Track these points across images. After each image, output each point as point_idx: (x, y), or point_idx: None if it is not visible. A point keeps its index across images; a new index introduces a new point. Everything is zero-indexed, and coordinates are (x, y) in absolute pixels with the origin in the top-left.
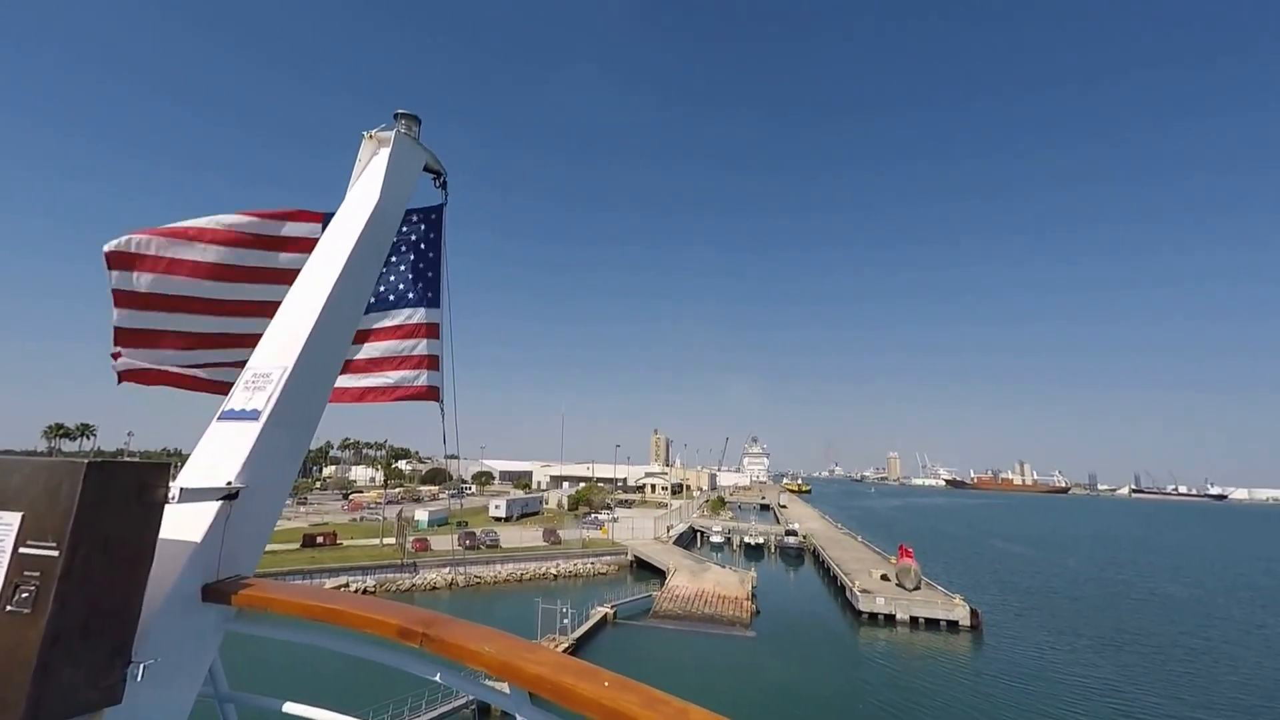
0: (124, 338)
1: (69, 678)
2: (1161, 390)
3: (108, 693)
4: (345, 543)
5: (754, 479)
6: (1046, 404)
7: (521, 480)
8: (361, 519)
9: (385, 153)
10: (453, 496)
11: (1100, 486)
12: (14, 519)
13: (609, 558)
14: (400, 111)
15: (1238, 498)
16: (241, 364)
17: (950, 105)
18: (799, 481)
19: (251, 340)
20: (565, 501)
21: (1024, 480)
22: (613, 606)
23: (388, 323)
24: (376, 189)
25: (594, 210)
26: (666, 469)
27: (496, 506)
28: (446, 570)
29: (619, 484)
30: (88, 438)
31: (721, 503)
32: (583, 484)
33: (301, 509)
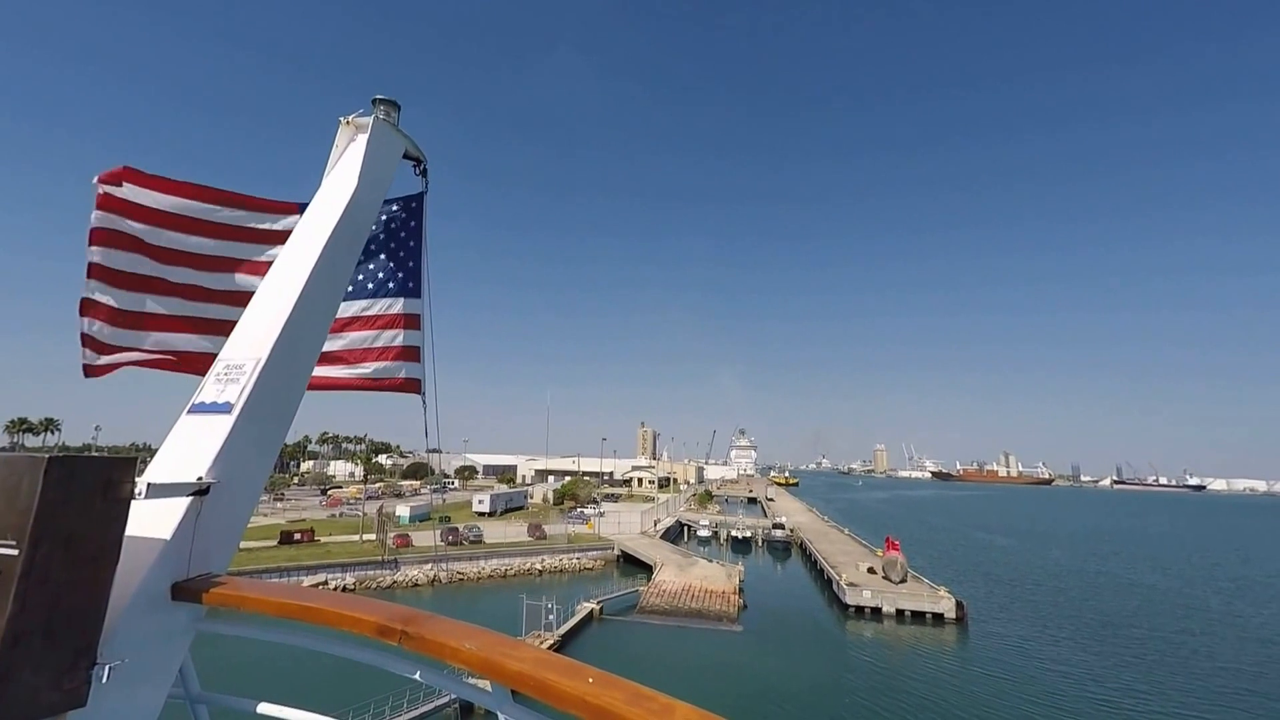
0: (91, 308)
1: (30, 680)
2: (1143, 382)
3: (72, 695)
4: (324, 539)
5: (741, 472)
6: (1032, 396)
7: (506, 474)
8: (341, 515)
9: (363, 139)
10: (435, 491)
11: (1083, 478)
12: None
13: (595, 553)
14: (378, 97)
15: (1215, 488)
16: (213, 354)
17: (941, 96)
18: (786, 474)
19: (224, 328)
20: (550, 496)
21: (1009, 472)
22: (599, 602)
23: (367, 313)
24: (354, 176)
25: (578, 200)
26: (653, 462)
27: (480, 501)
28: (429, 566)
29: (605, 478)
30: (52, 432)
31: (709, 496)
32: (568, 478)
33: (278, 505)
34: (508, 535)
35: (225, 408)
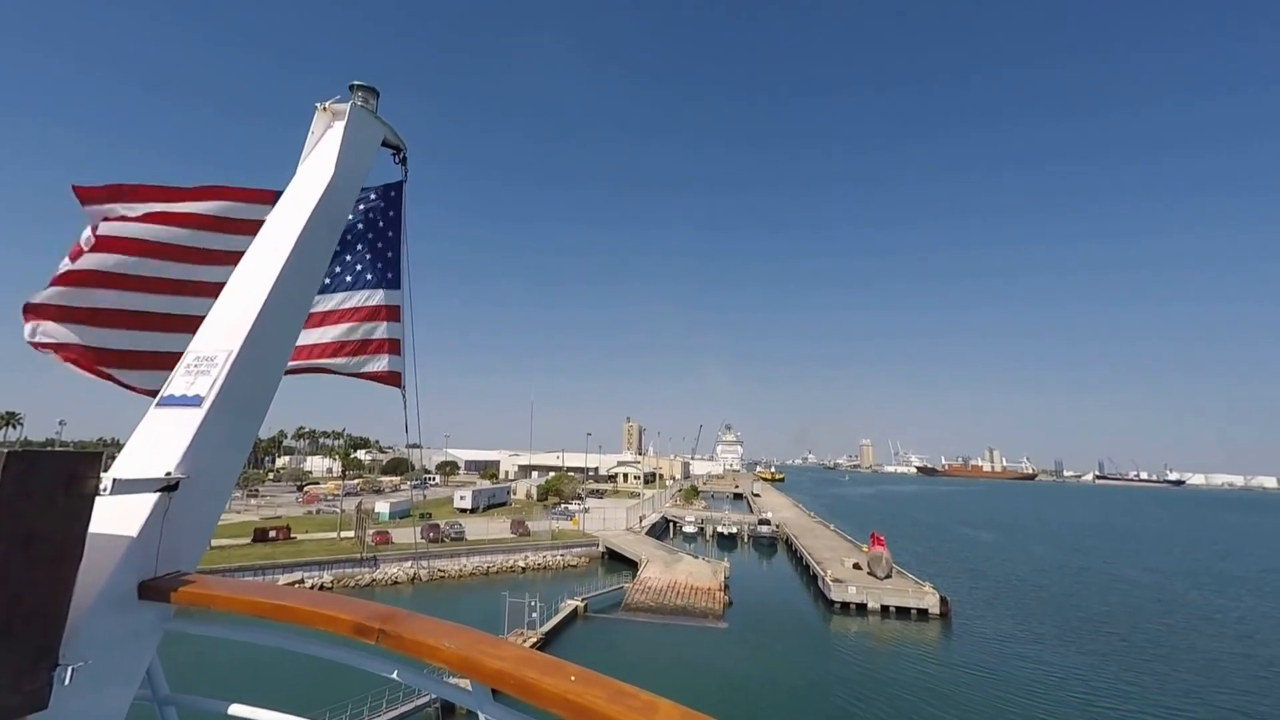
0: (49, 308)
1: None
2: (1127, 377)
3: (32, 698)
4: (300, 537)
5: (727, 467)
6: (1016, 391)
7: (488, 470)
8: (318, 512)
9: (340, 126)
10: (415, 487)
11: (1066, 473)
12: None
13: (579, 549)
14: (356, 83)
15: (1195, 483)
16: (178, 354)
17: (931, 85)
18: (772, 470)
19: (193, 324)
20: (534, 492)
21: (993, 467)
22: (583, 599)
23: (345, 305)
24: (330, 164)
25: (562, 190)
26: (639, 458)
27: (462, 497)
28: (409, 564)
29: (590, 473)
30: (14, 426)
31: (695, 492)
32: (552, 473)
33: (252, 502)
34: (490, 532)
35: (195, 400)
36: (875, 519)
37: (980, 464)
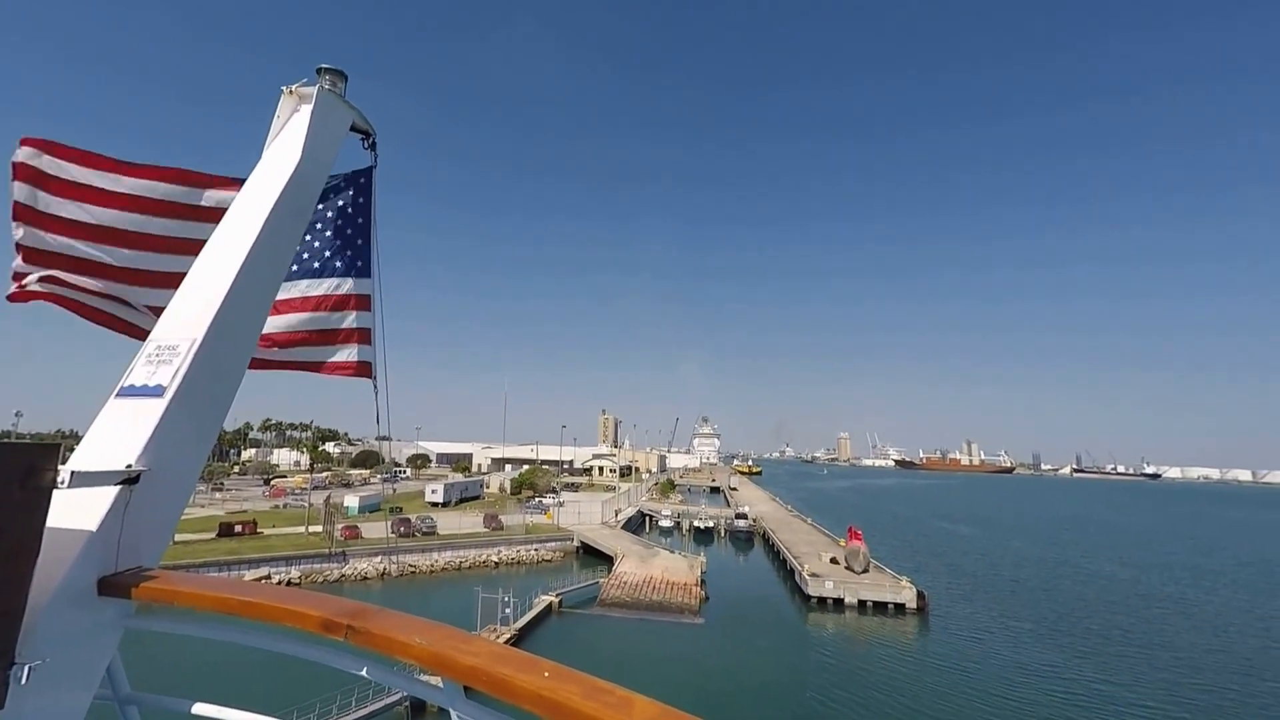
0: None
1: None
2: (1104, 371)
3: None
4: (266, 531)
5: (704, 460)
6: (994, 384)
7: (461, 463)
8: (285, 506)
9: (307, 110)
10: (385, 481)
11: (1044, 466)
12: None
13: (554, 544)
14: (324, 66)
15: (1171, 476)
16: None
17: (911, 78)
18: (750, 463)
19: (155, 311)
20: (508, 485)
21: (971, 460)
22: (558, 595)
23: (313, 293)
24: (297, 148)
25: (538, 180)
26: (615, 450)
27: (433, 491)
28: (379, 559)
29: (565, 466)
30: None
31: (671, 485)
32: (526, 466)
33: (217, 495)
34: (462, 526)
35: (157, 391)
36: (853, 513)
37: (958, 457)
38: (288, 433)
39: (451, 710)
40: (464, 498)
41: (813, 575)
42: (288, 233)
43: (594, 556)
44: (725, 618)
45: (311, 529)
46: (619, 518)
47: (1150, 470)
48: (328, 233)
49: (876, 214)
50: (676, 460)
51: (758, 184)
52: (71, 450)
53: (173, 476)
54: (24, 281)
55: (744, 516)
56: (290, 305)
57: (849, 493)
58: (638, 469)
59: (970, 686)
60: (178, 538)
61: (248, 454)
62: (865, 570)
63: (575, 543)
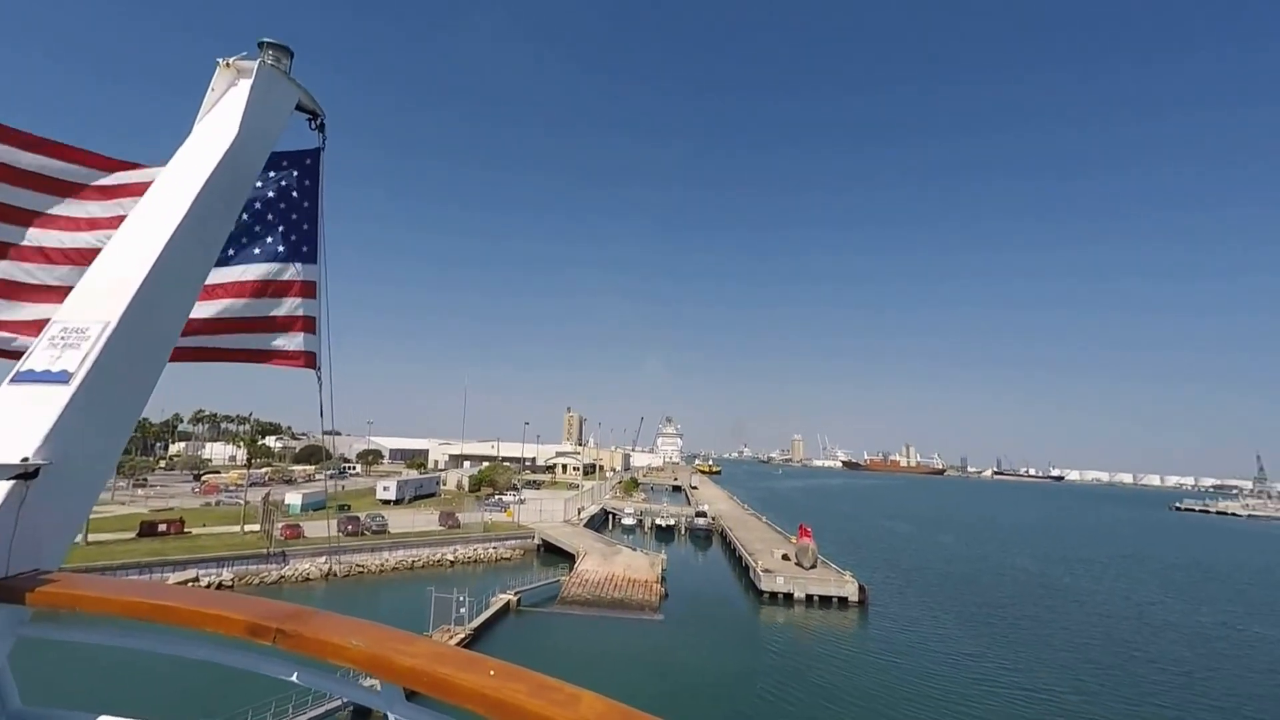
0: None
1: None
2: (1020, 377)
3: None
4: (196, 531)
5: (667, 460)
6: (930, 388)
7: (416, 459)
8: (219, 503)
9: (246, 84)
10: (332, 477)
11: (970, 468)
12: None
13: (514, 542)
14: (266, 40)
15: (1072, 479)
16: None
17: (889, 90)
18: (710, 463)
19: (56, 292)
20: (466, 482)
21: (909, 462)
22: (516, 593)
23: (251, 277)
24: (234, 123)
25: (501, 174)
26: (579, 448)
27: (385, 488)
28: (323, 559)
29: (527, 464)
30: None
31: (635, 484)
32: (486, 463)
33: (140, 492)
34: (416, 524)
35: (61, 377)
36: (803, 511)
37: (898, 459)
38: (223, 425)
39: (391, 714)
40: (419, 495)
41: (765, 571)
42: (221, 212)
43: (555, 555)
44: (683, 614)
45: (248, 528)
46: (582, 516)
47: (1055, 473)
48: (269, 215)
49: (833, 222)
50: (640, 459)
51: (724, 188)
52: None
53: (79, 471)
54: None
55: (703, 515)
56: (225, 290)
57: (801, 492)
58: (602, 467)
59: (903, 672)
60: (92, 538)
61: (176, 448)
62: (813, 566)
63: (536, 541)
